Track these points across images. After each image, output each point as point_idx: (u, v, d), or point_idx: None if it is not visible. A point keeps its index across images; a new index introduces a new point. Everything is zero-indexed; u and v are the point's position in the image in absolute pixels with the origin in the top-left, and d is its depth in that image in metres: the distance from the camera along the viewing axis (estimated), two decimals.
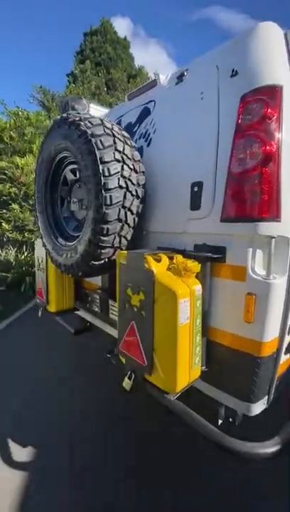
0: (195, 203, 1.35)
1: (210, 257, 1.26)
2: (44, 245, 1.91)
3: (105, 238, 1.37)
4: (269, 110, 1.11)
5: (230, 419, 1.36)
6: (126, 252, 1.33)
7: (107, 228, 1.34)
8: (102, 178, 1.28)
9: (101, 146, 1.30)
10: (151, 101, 1.77)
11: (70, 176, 1.76)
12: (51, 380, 2.65)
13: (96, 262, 1.47)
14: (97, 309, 2.09)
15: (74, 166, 1.72)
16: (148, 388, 1.29)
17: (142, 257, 1.22)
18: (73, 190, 1.79)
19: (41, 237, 1.94)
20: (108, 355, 2.14)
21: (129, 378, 1.33)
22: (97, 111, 2.71)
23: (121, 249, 1.47)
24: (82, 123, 1.38)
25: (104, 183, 1.29)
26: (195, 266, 1.20)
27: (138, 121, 1.79)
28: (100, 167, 1.29)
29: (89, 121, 1.38)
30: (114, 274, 1.87)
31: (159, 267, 1.20)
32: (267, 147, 1.11)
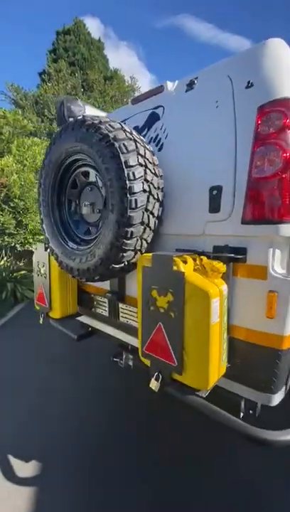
0: (214, 206, 1.40)
1: (233, 258, 1.32)
2: (51, 250, 1.85)
3: (128, 241, 1.37)
4: (288, 120, 1.21)
5: (250, 411, 1.43)
6: (150, 254, 1.35)
7: (131, 231, 1.35)
8: (128, 181, 1.29)
9: (125, 150, 1.31)
10: (159, 106, 1.81)
11: (81, 179, 1.73)
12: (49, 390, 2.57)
13: (116, 266, 1.46)
14: (104, 313, 2.07)
15: (86, 169, 1.70)
16: (172, 389, 1.32)
17: (171, 259, 1.25)
18: (83, 193, 1.77)
19: (47, 242, 1.88)
20: (114, 359, 2.14)
21: (156, 379, 1.35)
22: (93, 113, 2.70)
23: (141, 252, 1.48)
24: (103, 126, 1.37)
25: (130, 186, 1.29)
26: (221, 266, 1.25)
27: (147, 125, 1.82)
28: (125, 171, 1.29)
29: (109, 125, 1.38)
30: (124, 277, 1.89)
31: (188, 269, 1.24)
32: (287, 154, 1.20)
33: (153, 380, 1.36)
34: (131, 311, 1.86)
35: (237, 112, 1.36)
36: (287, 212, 1.21)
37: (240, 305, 1.35)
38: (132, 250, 1.42)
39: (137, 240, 1.40)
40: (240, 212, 1.32)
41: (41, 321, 2.27)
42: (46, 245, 1.91)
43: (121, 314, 1.94)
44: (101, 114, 2.82)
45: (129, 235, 1.35)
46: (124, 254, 1.41)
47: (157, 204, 1.44)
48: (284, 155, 1.20)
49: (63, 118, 2.55)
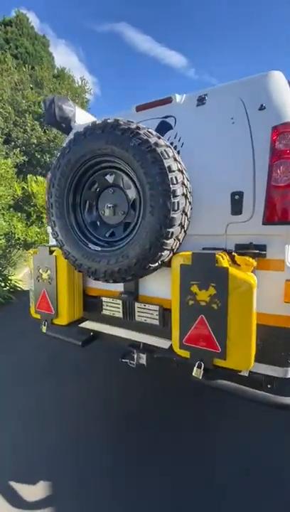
0: (236, 209, 1.61)
1: (258, 254, 1.54)
2: (65, 253, 1.79)
3: (168, 241, 1.46)
4: None
5: (269, 386, 1.67)
6: (189, 253, 1.47)
7: (172, 232, 1.44)
8: (171, 185, 1.38)
9: (166, 156, 1.40)
10: (169, 116, 1.94)
11: (102, 181, 1.74)
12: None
13: (153, 265, 1.53)
14: (117, 315, 2.08)
15: (110, 171, 1.71)
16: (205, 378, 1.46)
17: (213, 256, 1.39)
18: (103, 195, 1.77)
19: (61, 245, 1.81)
20: (123, 360, 2.17)
21: (199, 367, 1.46)
22: (82, 115, 2.67)
23: (174, 252, 1.58)
24: (141, 132, 1.44)
25: (173, 190, 1.39)
26: (253, 262, 1.45)
27: (159, 133, 1.93)
28: (169, 175, 1.38)
29: (148, 131, 1.45)
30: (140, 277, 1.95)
31: (227, 264, 1.40)
32: None
33: (195, 368, 1.47)
34: (149, 309, 1.92)
35: (252, 129, 1.60)
36: None
37: (261, 293, 1.57)
38: (169, 250, 1.51)
39: (174, 240, 1.50)
40: (261, 214, 1.55)
41: (44, 330, 2.13)
42: (60, 248, 1.83)
43: (137, 314, 1.98)
44: (91, 117, 2.82)
45: (169, 236, 1.44)
46: (162, 253, 1.49)
47: (189, 206, 1.57)
48: None
49: (54, 117, 2.47)
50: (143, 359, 2.09)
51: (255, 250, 1.54)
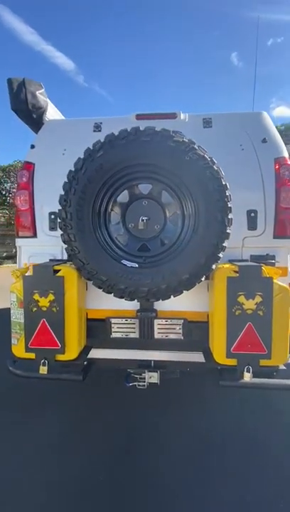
0: (252, 225, 1.85)
1: (271, 263, 1.81)
2: (90, 273, 1.52)
3: (221, 255, 1.51)
4: None
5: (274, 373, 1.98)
6: (236, 266, 1.56)
7: (225, 247, 1.51)
8: (228, 202, 1.45)
9: (222, 174, 1.46)
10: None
11: (135, 192, 1.58)
12: None
13: (202, 279, 1.54)
14: (132, 335, 1.90)
15: (147, 181, 1.58)
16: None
17: (260, 268, 1.55)
18: (133, 206, 1.61)
19: (83, 263, 1.51)
20: (130, 384, 2.03)
21: (248, 371, 1.58)
22: (52, 110, 2.31)
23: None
24: (197, 147, 1.43)
25: (230, 207, 1.46)
26: (279, 271, 1.70)
27: None
28: (226, 192, 1.44)
29: (201, 147, 1.45)
30: None
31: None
32: None
33: (245, 372, 1.57)
34: (172, 324, 1.88)
35: (259, 157, 1.88)
36: None
37: None
38: (218, 262, 1.56)
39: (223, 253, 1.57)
40: (271, 229, 1.85)
41: (46, 371, 1.68)
42: (82, 267, 1.52)
43: (157, 331, 1.89)
44: (61, 115, 2.47)
45: (223, 250, 1.50)
46: (213, 266, 1.53)
47: None
48: None
49: (24, 103, 2.04)
50: (154, 378, 2.00)
51: (272, 260, 1.81)
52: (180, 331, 1.88)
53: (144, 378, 2.01)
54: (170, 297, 1.55)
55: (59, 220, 1.55)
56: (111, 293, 1.55)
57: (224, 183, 1.45)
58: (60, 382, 1.96)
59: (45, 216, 1.97)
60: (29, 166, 2.01)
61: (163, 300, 1.57)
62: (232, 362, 1.61)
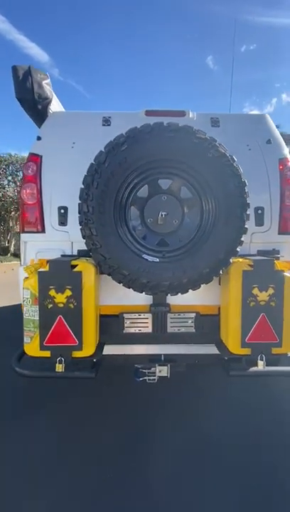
0: (259, 222, 1.94)
1: (277, 257, 1.92)
2: (112, 268, 1.51)
3: (239, 249, 1.58)
4: None
5: None
6: (251, 260, 1.64)
7: (243, 241, 1.57)
8: (247, 198, 1.52)
9: (241, 171, 1.52)
10: None
11: (156, 187, 1.60)
12: None
13: (221, 273, 1.60)
14: (145, 331, 1.91)
15: (168, 176, 1.60)
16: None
17: (273, 262, 1.64)
18: (152, 201, 1.62)
19: (104, 258, 1.50)
20: (140, 379, 2.05)
21: (261, 359, 1.66)
22: (56, 102, 2.24)
23: None
24: (218, 144, 1.48)
25: (248, 203, 1.53)
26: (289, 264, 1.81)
27: None
28: (245, 189, 1.51)
29: (222, 145, 1.50)
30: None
31: None
32: None
33: (259, 361, 1.66)
34: (184, 318, 1.92)
35: (265, 157, 1.98)
36: None
37: None
38: (235, 256, 1.63)
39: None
40: (276, 226, 1.95)
41: (62, 369, 1.64)
42: (103, 262, 1.50)
43: (170, 325, 1.92)
44: (62, 107, 2.41)
45: (241, 244, 1.57)
46: (231, 261, 1.59)
47: None
48: None
49: (30, 92, 1.97)
50: (164, 371, 2.04)
51: (277, 255, 1.92)
52: (192, 324, 1.92)
53: (154, 372, 2.04)
54: (188, 291, 1.59)
55: (79, 215, 1.52)
56: (131, 287, 1.55)
57: (243, 180, 1.51)
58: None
59: (53, 210, 1.91)
60: (36, 158, 1.93)
61: (182, 294, 1.60)
62: (247, 351, 1.68)
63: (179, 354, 2.01)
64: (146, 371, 2.07)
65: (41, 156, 1.93)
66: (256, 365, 1.67)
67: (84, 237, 1.54)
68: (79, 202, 1.52)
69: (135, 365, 2.08)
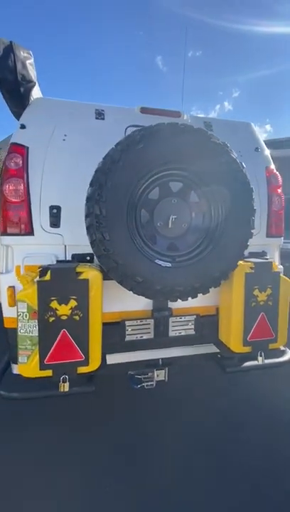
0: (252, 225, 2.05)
1: (266, 259, 2.06)
2: (124, 273, 1.41)
3: (245, 253, 1.64)
4: (280, 178, 2.16)
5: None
6: (252, 263, 1.72)
7: (248, 245, 1.64)
8: (254, 204, 1.57)
9: (249, 178, 1.56)
10: None
11: (167, 189, 1.54)
12: None
13: (229, 276, 1.63)
14: (147, 337, 1.85)
15: (179, 179, 1.55)
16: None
17: (271, 264, 1.74)
18: (161, 204, 1.56)
19: (116, 264, 1.40)
20: (138, 386, 2.02)
21: (260, 355, 1.77)
22: (36, 86, 1.99)
23: None
24: (229, 149, 1.49)
25: (255, 209, 1.58)
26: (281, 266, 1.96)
27: None
28: (253, 195, 1.56)
29: (232, 151, 1.52)
30: None
31: None
32: (283, 198, 2.15)
33: (259, 357, 1.77)
34: (185, 320, 1.92)
35: (254, 164, 2.09)
36: (283, 231, 2.19)
37: None
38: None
39: None
40: (265, 229, 2.09)
41: (66, 389, 1.47)
42: (114, 269, 1.39)
43: (172, 329, 1.90)
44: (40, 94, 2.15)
45: (247, 248, 1.63)
46: (237, 264, 1.64)
47: None
48: (282, 199, 2.15)
49: (13, 72, 1.72)
50: (162, 375, 2.03)
51: (266, 257, 2.06)
52: (193, 326, 1.94)
53: (151, 378, 2.00)
54: (197, 296, 1.59)
55: (87, 218, 1.38)
56: (143, 295, 1.48)
57: (251, 186, 1.56)
58: None
59: (44, 210, 1.69)
60: (21, 150, 1.68)
61: (192, 298, 1.59)
62: (247, 349, 1.77)
63: (176, 357, 2.01)
64: (142, 377, 2.02)
65: (27, 148, 1.69)
66: (256, 360, 1.78)
67: (92, 242, 1.40)
68: (87, 203, 1.37)
69: (129, 372, 2.01)
